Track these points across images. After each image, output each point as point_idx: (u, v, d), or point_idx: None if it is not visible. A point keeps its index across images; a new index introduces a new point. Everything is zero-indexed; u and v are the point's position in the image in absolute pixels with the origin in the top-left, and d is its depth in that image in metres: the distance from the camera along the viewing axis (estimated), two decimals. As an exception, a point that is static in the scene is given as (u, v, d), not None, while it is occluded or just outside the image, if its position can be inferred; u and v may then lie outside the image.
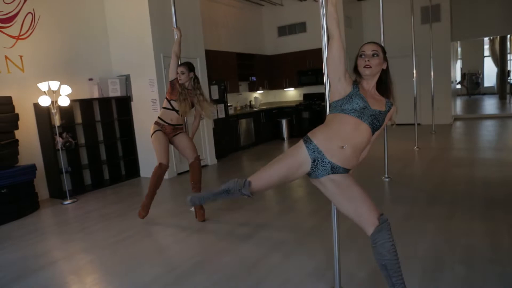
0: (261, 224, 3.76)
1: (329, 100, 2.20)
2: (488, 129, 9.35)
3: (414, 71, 7.44)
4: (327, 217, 3.14)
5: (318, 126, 2.08)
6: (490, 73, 21.44)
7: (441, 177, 5.10)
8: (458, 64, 22.28)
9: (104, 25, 6.35)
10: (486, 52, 21.39)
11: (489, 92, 21.37)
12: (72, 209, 4.86)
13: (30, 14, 5.38)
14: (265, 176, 2.01)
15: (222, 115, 7.57)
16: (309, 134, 2.01)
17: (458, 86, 22.40)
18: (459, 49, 21.76)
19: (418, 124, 10.27)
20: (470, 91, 21.94)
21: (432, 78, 9.15)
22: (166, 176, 6.01)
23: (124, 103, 6.31)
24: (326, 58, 2.10)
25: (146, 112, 6.13)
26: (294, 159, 1.96)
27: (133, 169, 6.43)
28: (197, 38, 6.79)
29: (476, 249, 2.85)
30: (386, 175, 5.10)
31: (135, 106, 6.34)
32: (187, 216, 4.23)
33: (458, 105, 16.03)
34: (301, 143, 1.99)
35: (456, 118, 11.49)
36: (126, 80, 6.31)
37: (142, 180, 6.26)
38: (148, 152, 6.11)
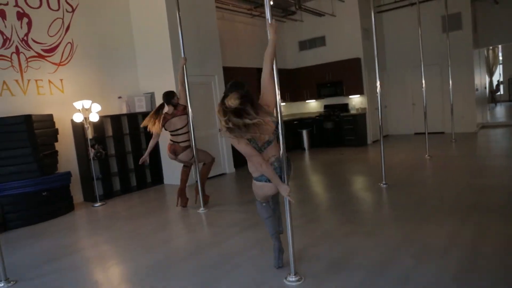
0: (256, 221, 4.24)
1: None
2: (510, 136, 9.22)
3: (423, 81, 7.62)
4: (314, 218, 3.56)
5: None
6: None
7: (437, 184, 5.32)
8: (499, 70, 21.57)
9: (132, 49, 7.17)
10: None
11: (533, 98, 20.44)
12: (101, 211, 5.59)
13: (69, 44, 6.27)
14: None
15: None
16: None
17: (501, 92, 21.67)
18: (500, 54, 21.09)
19: (442, 133, 10.36)
20: (511, 98, 21.07)
21: (450, 87, 9.19)
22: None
23: (150, 117, 7.04)
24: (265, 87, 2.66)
25: (169, 126, 6.81)
26: None
27: (158, 177, 7.14)
28: (215, 56, 7.44)
29: (431, 246, 3.16)
30: (384, 182, 5.39)
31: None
32: (194, 216, 4.80)
33: (497, 112, 15.60)
34: None
35: (484, 126, 11.31)
36: (151, 97, 7.07)
37: (166, 187, 6.93)
38: (171, 162, 6.76)
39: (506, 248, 2.96)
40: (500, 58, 21.12)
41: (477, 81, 11.00)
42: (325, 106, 10.55)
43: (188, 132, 4.99)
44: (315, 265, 2.98)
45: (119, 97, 6.80)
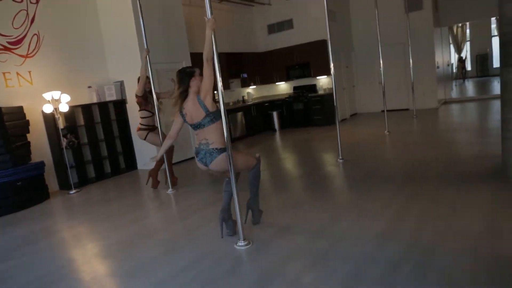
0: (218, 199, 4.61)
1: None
2: (470, 111, 9.81)
3: (381, 60, 8.04)
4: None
5: None
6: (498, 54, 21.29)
7: (388, 157, 5.79)
8: (468, 46, 22.27)
9: (99, 38, 7.30)
10: (494, 32, 21.24)
11: (498, 73, 21.24)
12: (76, 197, 5.86)
13: (35, 36, 6.39)
14: None
15: (211, 111, 8.42)
16: None
17: (469, 68, 22.44)
18: (467, 31, 21.75)
19: (407, 109, 10.88)
20: (478, 73, 21.89)
21: (411, 65, 9.65)
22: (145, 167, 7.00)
23: (120, 105, 7.28)
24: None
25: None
26: None
27: (131, 163, 7.41)
28: (182, 42, 7.66)
29: (367, 211, 3.60)
30: (341, 157, 5.82)
31: (129, 107, 7.29)
32: (162, 196, 5.15)
33: (457, 89, 16.31)
34: None
35: (446, 102, 11.90)
36: (120, 86, 7.27)
37: (140, 172, 7.22)
38: (143, 148, 7.06)
39: (428, 209, 3.42)
40: (468, 35, 21.81)
41: (439, 58, 11.52)
42: (294, 88, 10.91)
43: (143, 117, 5.48)
44: (265, 232, 3.38)
45: (89, 87, 6.98)
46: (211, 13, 3.03)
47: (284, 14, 10.78)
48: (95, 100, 6.97)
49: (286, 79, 10.87)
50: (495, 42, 21.28)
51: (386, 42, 10.65)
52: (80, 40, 7.00)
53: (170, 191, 5.30)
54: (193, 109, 3.12)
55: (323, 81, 10.57)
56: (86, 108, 6.74)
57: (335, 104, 6.15)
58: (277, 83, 11.31)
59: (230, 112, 9.41)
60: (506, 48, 3.76)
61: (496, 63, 22.02)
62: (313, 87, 10.59)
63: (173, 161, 5.84)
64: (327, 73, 10.27)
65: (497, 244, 2.65)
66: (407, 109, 10.98)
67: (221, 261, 2.93)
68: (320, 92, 10.45)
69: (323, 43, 10.11)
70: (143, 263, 3.08)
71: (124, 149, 7.37)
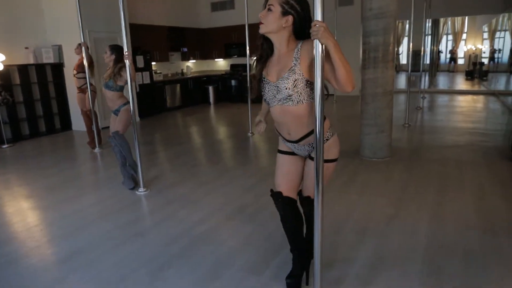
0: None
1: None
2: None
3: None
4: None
5: None
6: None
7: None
8: (405, 42, 24.07)
9: (39, 1, 7.60)
10: (428, 31, 23.13)
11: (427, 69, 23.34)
12: (9, 151, 6.39)
13: (-28, -7, 6.63)
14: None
15: (147, 81, 9.06)
16: None
17: (403, 62, 24.34)
18: (406, 27, 23.48)
19: (332, 95, 12.10)
20: (412, 68, 23.82)
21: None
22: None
23: (58, 68, 7.73)
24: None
25: (76, 77, 7.58)
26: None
27: (67, 123, 7.95)
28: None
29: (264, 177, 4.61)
30: (250, 132, 6.81)
31: (67, 71, 7.75)
32: (92, 157, 5.88)
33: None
34: None
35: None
36: (59, 50, 7.69)
37: (74, 132, 7.79)
38: (79, 109, 7.57)
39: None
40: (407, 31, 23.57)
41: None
42: (232, 66, 11.73)
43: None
44: (163, 184, 4.28)
45: (26, 48, 7.34)
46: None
47: (229, -6, 11.43)
48: (32, 61, 7.36)
49: (225, 56, 11.65)
50: (428, 40, 23.24)
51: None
52: (18, 0, 7.27)
53: (97, 149, 6.02)
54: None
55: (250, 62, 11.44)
56: (22, 69, 7.14)
57: (248, 85, 7.02)
58: (215, 60, 12.05)
59: (168, 83, 10.07)
60: (365, 55, 4.84)
61: (427, 59, 24.17)
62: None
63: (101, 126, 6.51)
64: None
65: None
66: (332, 95, 12.22)
67: (122, 201, 3.80)
68: (254, 72, 11.33)
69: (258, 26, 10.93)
70: (61, 201, 3.88)
71: (60, 110, 7.87)
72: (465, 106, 9.62)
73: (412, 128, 6.96)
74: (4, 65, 6.48)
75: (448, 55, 23.38)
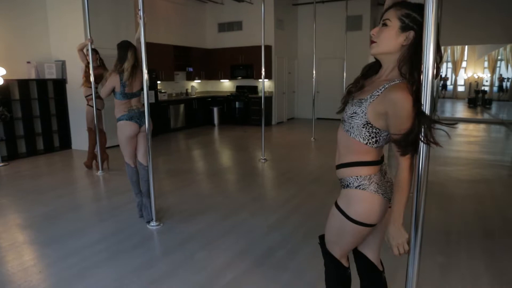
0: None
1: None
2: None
3: (314, 72, 8.84)
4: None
5: None
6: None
7: (304, 161, 6.51)
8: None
9: (44, 15, 7.31)
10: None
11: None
12: (3, 170, 5.94)
13: (-25, 4, 6.31)
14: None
15: (151, 100, 8.70)
16: None
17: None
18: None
19: (338, 120, 11.84)
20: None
21: (344, 79, 10.57)
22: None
23: (60, 84, 7.36)
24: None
25: (79, 94, 7.19)
26: None
27: (66, 142, 7.53)
28: (129, 30, 7.86)
29: (269, 204, 4.22)
30: (263, 157, 6.44)
31: (70, 87, 7.39)
32: (91, 178, 5.44)
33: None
34: None
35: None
36: (62, 65, 7.35)
37: (73, 152, 7.37)
38: (80, 127, 7.21)
39: (319, 207, 4.10)
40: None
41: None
42: (237, 87, 11.45)
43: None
44: (176, 216, 3.86)
45: (28, 62, 6.99)
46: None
47: (235, 15, 11.26)
48: (33, 76, 6.99)
49: (230, 77, 11.38)
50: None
51: (326, 55, 11.59)
52: (23, 14, 6.98)
53: (100, 172, 5.59)
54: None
55: (264, 84, 11.19)
56: (23, 83, 6.77)
57: (262, 107, 6.71)
58: (221, 80, 11.78)
59: (172, 103, 9.74)
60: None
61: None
62: (254, 89, 11.20)
63: (107, 145, 6.09)
64: (269, 77, 10.94)
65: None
66: (339, 119, 11.92)
67: (132, 237, 3.37)
68: (261, 94, 11.06)
69: (269, 48, 10.74)
70: (61, 234, 3.44)
71: (60, 128, 7.46)
72: (476, 135, 9.37)
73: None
74: (4, 79, 6.11)
75: (441, 82, 23.45)
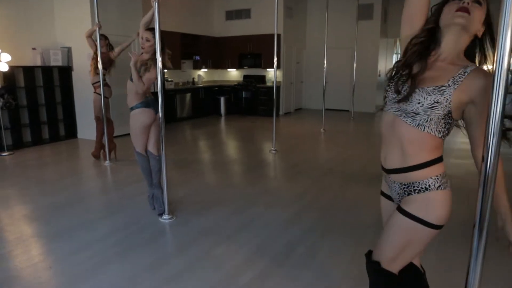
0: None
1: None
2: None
3: (325, 61, 8.61)
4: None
5: None
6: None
7: (316, 152, 6.34)
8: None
9: (50, 0, 7.10)
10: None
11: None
12: (8, 159, 5.81)
13: (-22, -13, 6.12)
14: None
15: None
16: None
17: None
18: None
19: (347, 111, 11.62)
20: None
21: (354, 69, 10.35)
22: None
23: (66, 72, 7.19)
24: None
25: (85, 82, 7.03)
26: None
27: (72, 131, 7.38)
28: (137, 17, 7.64)
29: (281, 198, 4.06)
30: (274, 148, 6.27)
31: (75, 75, 7.22)
32: (98, 168, 5.30)
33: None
34: None
35: (382, 108, 12.83)
36: (68, 52, 7.16)
37: (79, 141, 7.22)
38: (86, 116, 7.06)
39: (335, 201, 3.95)
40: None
41: (382, 67, 12.37)
42: (245, 76, 11.24)
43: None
44: (189, 209, 3.72)
45: (33, 49, 6.81)
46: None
47: (244, 3, 10.99)
48: (38, 63, 6.82)
49: (238, 66, 11.17)
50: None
51: (335, 45, 11.31)
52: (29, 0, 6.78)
53: (107, 162, 5.45)
54: None
55: (272, 74, 10.96)
56: (28, 70, 6.60)
57: (274, 97, 6.54)
58: (228, 69, 11.56)
59: (178, 92, 9.56)
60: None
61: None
62: (262, 78, 10.98)
63: (115, 134, 5.93)
64: (278, 66, 10.70)
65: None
66: (347, 111, 11.73)
67: (144, 230, 3.23)
68: (269, 84, 10.87)
69: (278, 37, 10.47)
70: (70, 227, 3.30)
71: (65, 116, 7.30)
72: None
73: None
74: (9, 66, 5.93)
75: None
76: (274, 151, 6.22)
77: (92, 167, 5.43)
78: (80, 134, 7.42)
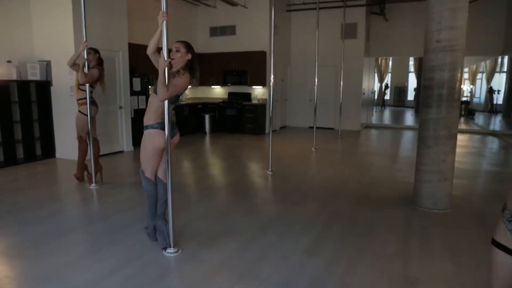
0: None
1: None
2: (388, 137, 10.74)
3: (316, 79, 8.50)
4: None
5: None
6: (412, 88, 23.65)
7: (313, 173, 6.10)
8: (388, 77, 24.35)
9: (28, 11, 6.64)
10: (411, 68, 23.60)
11: (411, 105, 23.56)
12: (-21, 182, 5.23)
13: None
14: None
15: (143, 106, 8.11)
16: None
17: (387, 97, 24.49)
18: (390, 63, 23.80)
19: (332, 129, 11.52)
20: (395, 102, 24.10)
21: (341, 88, 10.29)
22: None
23: (44, 87, 6.68)
24: None
25: (65, 98, 6.57)
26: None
27: (50, 150, 6.82)
28: (121, 32, 7.29)
29: (293, 225, 3.76)
30: (270, 169, 5.98)
31: (55, 90, 6.73)
32: (83, 192, 4.83)
33: (384, 114, 17.79)
34: None
35: (367, 126, 12.87)
36: (47, 66, 6.67)
37: (58, 161, 6.68)
38: (66, 134, 6.57)
39: (352, 226, 3.68)
40: (390, 67, 23.90)
41: (365, 85, 12.43)
42: (229, 94, 10.97)
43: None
44: (194, 240, 3.34)
45: (8, 61, 6.29)
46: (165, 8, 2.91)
47: (228, 20, 10.81)
48: (14, 77, 6.30)
49: (222, 83, 10.90)
50: (411, 77, 23.69)
51: (320, 63, 11.21)
52: (3, 8, 6.30)
53: (93, 185, 4.98)
54: None
55: (258, 91, 10.77)
56: (2, 85, 6.07)
57: (269, 114, 6.28)
58: (212, 86, 11.27)
59: (162, 109, 9.14)
60: (426, 92, 4.21)
61: (410, 96, 24.50)
62: (247, 96, 10.74)
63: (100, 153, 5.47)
64: (263, 84, 10.52)
65: (407, 265, 2.94)
66: (332, 128, 11.63)
67: (149, 268, 2.83)
68: (254, 101, 10.64)
69: (263, 54, 10.33)
70: (58, 266, 2.85)
71: (43, 134, 6.76)
72: (477, 146, 9.22)
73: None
74: (-18, 80, 5.41)
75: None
76: (270, 172, 5.93)
77: (76, 191, 4.94)
78: (59, 153, 6.88)
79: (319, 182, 5.53)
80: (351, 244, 3.31)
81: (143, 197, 4.23)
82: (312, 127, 11.74)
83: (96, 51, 5.02)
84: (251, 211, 4.20)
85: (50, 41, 6.57)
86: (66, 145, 6.61)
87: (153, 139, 3.02)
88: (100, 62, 5.06)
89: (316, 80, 8.57)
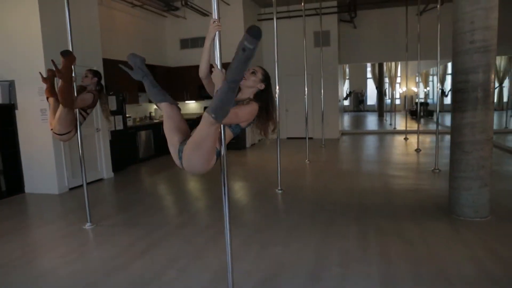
0: (158, 238, 3.79)
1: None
2: (368, 143, 10.67)
3: (306, 89, 8.19)
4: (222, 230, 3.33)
5: None
6: (371, 93, 24.37)
7: (324, 188, 5.71)
8: (346, 84, 24.90)
9: (-17, 25, 5.73)
10: (369, 74, 24.34)
11: (370, 109, 24.21)
12: None
13: None
14: None
15: (120, 126, 7.34)
16: None
17: (346, 103, 25.00)
18: (347, 70, 24.35)
19: (310, 138, 11.26)
20: (355, 108, 24.71)
21: (322, 96, 10.09)
22: (56, 191, 5.66)
23: (7, 111, 5.76)
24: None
25: (35, 122, 5.70)
26: None
27: (16, 185, 5.87)
28: (95, 47, 6.55)
29: (350, 251, 3.31)
30: (279, 188, 5.51)
31: (20, 115, 5.83)
32: (79, 235, 4.06)
33: (346, 121, 17.92)
34: None
35: (344, 133, 12.81)
36: (9, 86, 5.77)
37: (27, 197, 5.75)
38: (35, 166, 5.72)
39: (411, 249, 3.30)
40: (347, 73, 24.48)
41: (339, 92, 12.40)
42: (205, 108, 10.37)
43: None
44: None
45: (-36, 84, 5.35)
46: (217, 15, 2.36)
47: (200, 31, 10.26)
48: (-29, 101, 5.36)
49: (197, 98, 10.32)
50: (370, 82, 24.40)
51: (294, 72, 10.97)
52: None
53: (88, 225, 4.21)
54: None
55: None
56: (-42, 112, 5.12)
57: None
58: (187, 101, 10.63)
59: (139, 129, 8.39)
60: (459, 95, 3.98)
61: (370, 101, 25.24)
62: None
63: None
64: (242, 96, 10.05)
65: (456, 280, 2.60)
66: (310, 138, 11.37)
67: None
68: (234, 115, 10.13)
69: (240, 65, 9.88)
70: None
71: (6, 167, 5.81)
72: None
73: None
74: None
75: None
76: (280, 191, 5.45)
77: (67, 235, 4.14)
78: (29, 187, 5.93)
79: (336, 197, 5.12)
80: (406, 265, 2.92)
81: (149, 236, 3.62)
82: (291, 138, 11.54)
83: (95, 73, 4.29)
84: (288, 241, 3.69)
85: (14, 58, 5.69)
86: (37, 177, 5.73)
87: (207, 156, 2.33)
88: (100, 88, 4.33)
89: (305, 89, 8.31)
